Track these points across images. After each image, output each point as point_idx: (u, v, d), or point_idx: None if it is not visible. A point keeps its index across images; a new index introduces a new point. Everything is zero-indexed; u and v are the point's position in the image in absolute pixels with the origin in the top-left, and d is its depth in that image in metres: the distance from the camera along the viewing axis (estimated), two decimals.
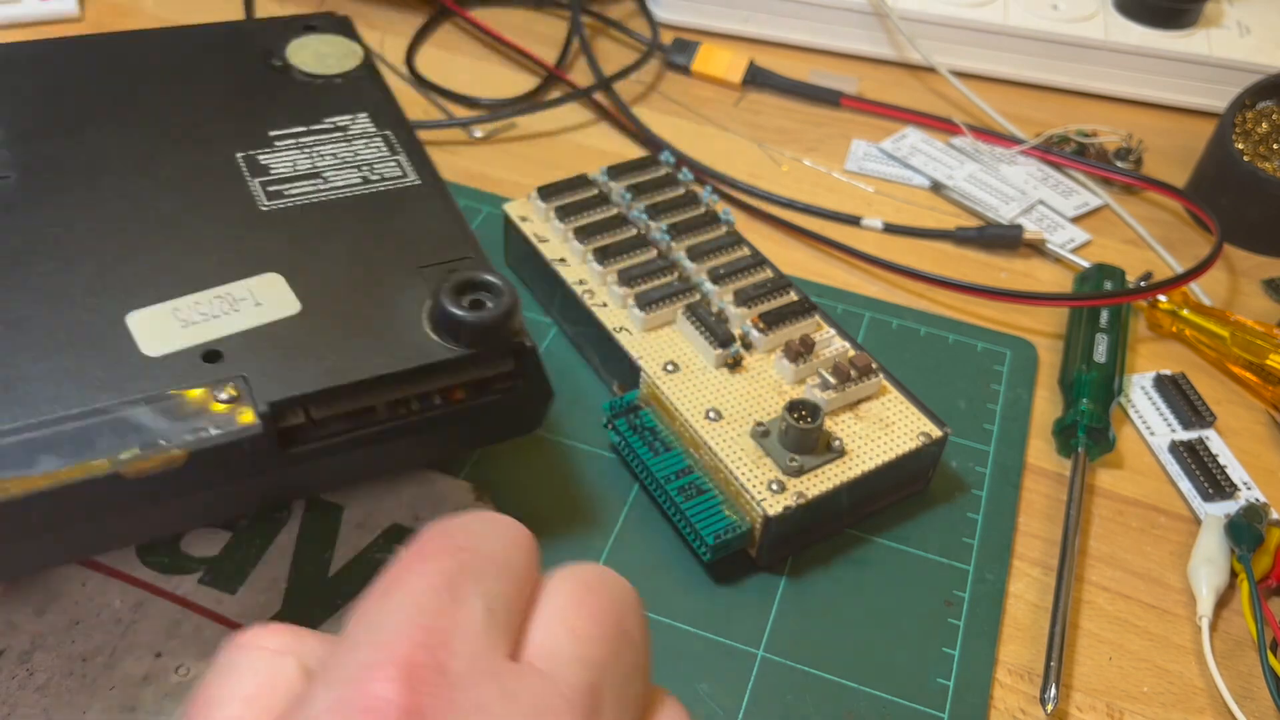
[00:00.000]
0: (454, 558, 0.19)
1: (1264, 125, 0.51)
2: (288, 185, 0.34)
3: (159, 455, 0.27)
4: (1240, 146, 0.50)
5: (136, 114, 0.36)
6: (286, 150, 0.35)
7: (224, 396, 0.28)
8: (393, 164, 0.35)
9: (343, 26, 0.41)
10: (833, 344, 0.38)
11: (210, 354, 0.29)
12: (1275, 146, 0.50)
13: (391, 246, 0.33)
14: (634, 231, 0.42)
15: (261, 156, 0.35)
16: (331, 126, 0.36)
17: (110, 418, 0.27)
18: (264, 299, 0.31)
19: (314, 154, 0.35)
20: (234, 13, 0.60)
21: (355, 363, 0.29)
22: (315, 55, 0.39)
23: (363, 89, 0.39)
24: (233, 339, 0.29)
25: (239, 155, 0.35)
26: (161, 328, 0.30)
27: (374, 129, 0.36)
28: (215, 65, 0.39)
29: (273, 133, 0.36)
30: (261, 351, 0.29)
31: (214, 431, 0.27)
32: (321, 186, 0.34)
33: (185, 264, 0.31)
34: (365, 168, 0.35)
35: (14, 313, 0.29)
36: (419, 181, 0.35)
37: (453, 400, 0.31)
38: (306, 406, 0.29)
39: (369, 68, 0.39)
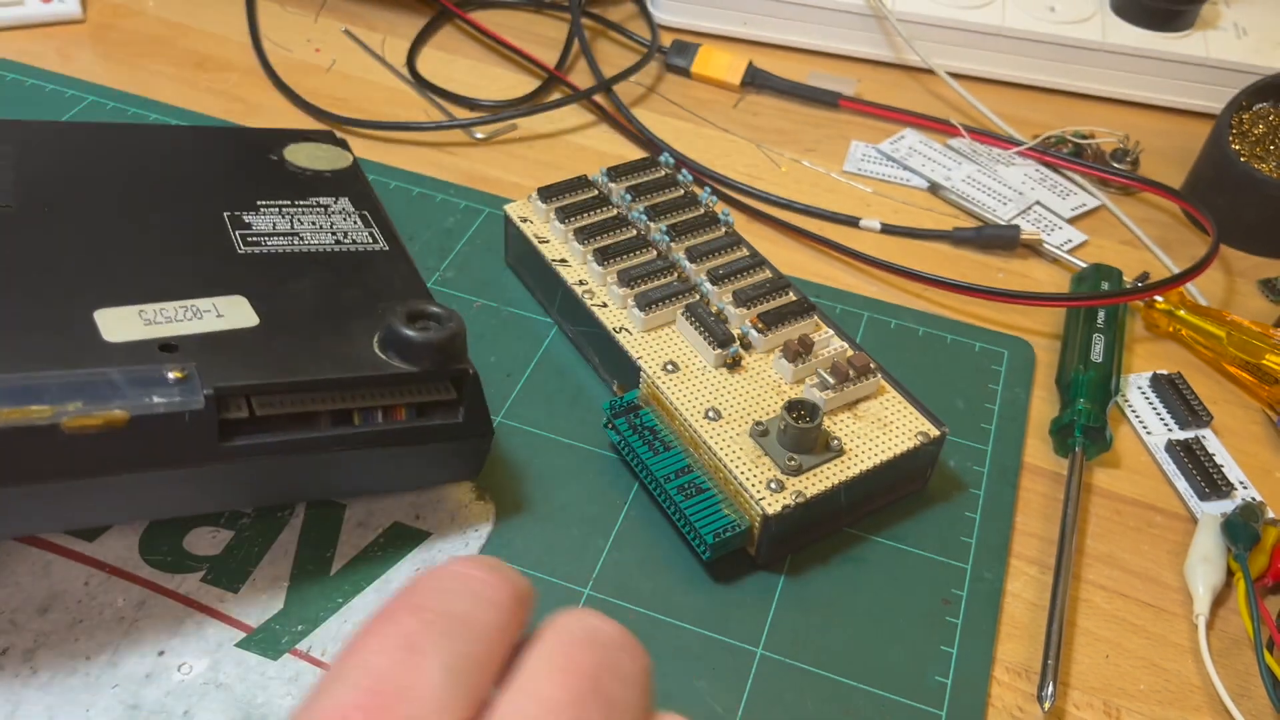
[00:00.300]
0: (416, 617, 0.19)
1: (1260, 126, 0.51)
2: (266, 237, 0.37)
3: (102, 414, 0.28)
4: (1237, 147, 0.51)
5: (138, 178, 0.39)
6: (269, 214, 0.38)
7: (172, 376, 0.29)
8: (365, 234, 0.38)
9: (336, 140, 0.45)
10: (831, 344, 0.39)
11: (166, 346, 0.31)
12: (1271, 147, 0.51)
13: (353, 290, 0.35)
14: (634, 232, 0.42)
15: (245, 216, 0.38)
16: (314, 204, 0.39)
17: (60, 379, 0.28)
18: (226, 313, 0.33)
19: (294, 220, 0.38)
20: (236, 13, 0.60)
21: (300, 366, 0.31)
22: (309, 156, 0.42)
23: (347, 182, 0.42)
24: (190, 338, 0.31)
25: (225, 214, 0.38)
26: (125, 323, 0.31)
27: (352, 209, 0.40)
28: (217, 153, 0.42)
29: (259, 201, 0.39)
30: (215, 351, 0.31)
31: (158, 400, 0.29)
32: (297, 242, 0.37)
33: (158, 281, 0.33)
34: (339, 233, 0.38)
35: None
36: (387, 248, 0.38)
37: (395, 418, 0.33)
38: (250, 399, 0.30)
39: (356, 170, 0.43)
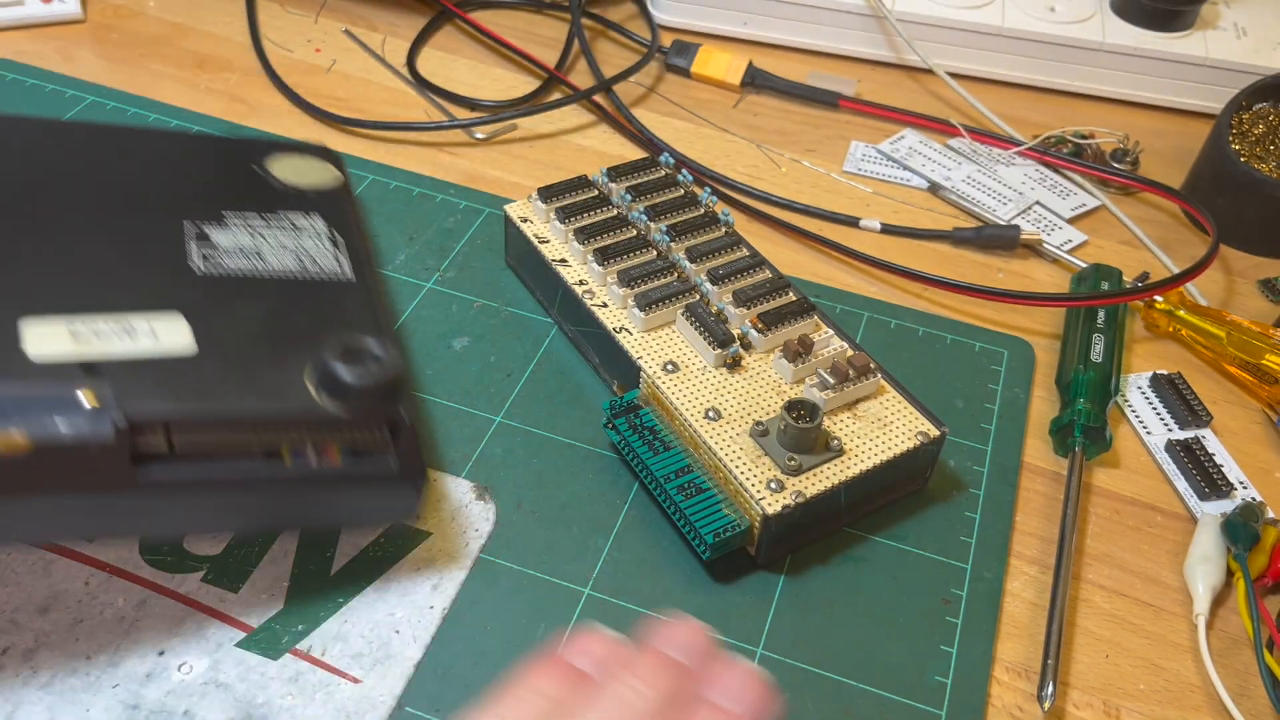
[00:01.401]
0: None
1: (1260, 126, 0.51)
2: (224, 254, 0.35)
3: (1, 436, 0.26)
4: (1236, 147, 0.51)
5: (103, 181, 0.37)
6: (235, 228, 0.36)
7: (86, 402, 0.27)
8: (332, 262, 0.36)
9: (330, 156, 0.42)
10: (831, 344, 0.39)
11: (89, 367, 0.29)
12: (1271, 147, 0.51)
13: (305, 323, 0.33)
14: (634, 232, 0.42)
15: (208, 228, 0.36)
16: (286, 221, 0.37)
17: None
18: (161, 335, 0.31)
19: (259, 237, 0.36)
20: (236, 14, 0.60)
21: (224, 399, 0.29)
22: (295, 169, 0.40)
23: (328, 200, 0.39)
24: (117, 362, 0.29)
25: (186, 222, 0.36)
26: (52, 336, 0.30)
27: (325, 230, 0.37)
28: (199, 160, 0.40)
29: (225, 212, 0.37)
30: (139, 376, 0.29)
31: (64, 428, 0.27)
32: (256, 261, 0.35)
33: (96, 291, 0.32)
34: (305, 258, 0.36)
35: None
36: (353, 279, 0.36)
37: (327, 459, 0.31)
38: (168, 430, 0.29)
39: (345, 189, 0.40)
